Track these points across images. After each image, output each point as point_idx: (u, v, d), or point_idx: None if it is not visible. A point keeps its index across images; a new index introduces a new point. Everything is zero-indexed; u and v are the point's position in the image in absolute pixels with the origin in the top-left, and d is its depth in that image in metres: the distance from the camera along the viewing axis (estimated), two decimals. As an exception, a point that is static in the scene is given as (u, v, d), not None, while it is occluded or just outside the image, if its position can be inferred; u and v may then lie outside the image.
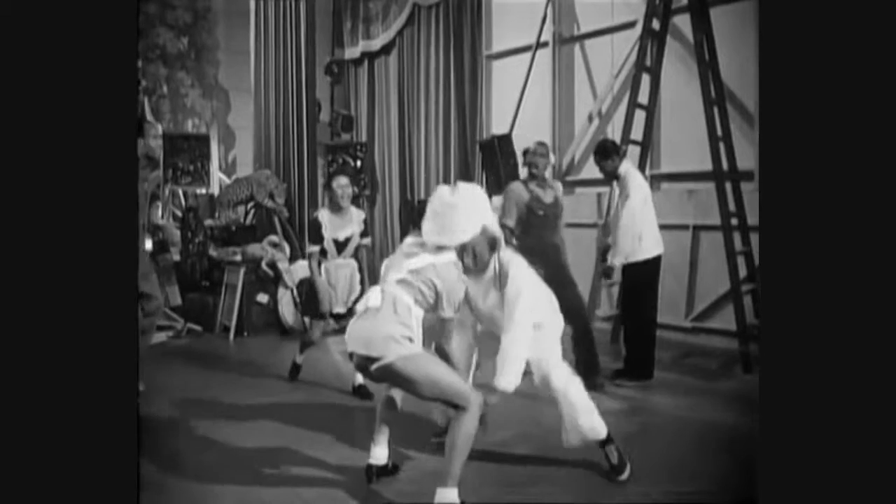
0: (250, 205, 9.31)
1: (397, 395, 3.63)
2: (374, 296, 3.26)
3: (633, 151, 7.38)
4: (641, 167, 7.45)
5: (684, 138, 7.50)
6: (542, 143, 5.55)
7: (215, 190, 9.88)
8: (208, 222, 9.11)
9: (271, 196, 8.93)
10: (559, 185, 5.77)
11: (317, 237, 5.28)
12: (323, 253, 5.38)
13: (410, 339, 3.17)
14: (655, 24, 7.21)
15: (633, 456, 3.71)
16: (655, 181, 7.91)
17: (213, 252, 8.55)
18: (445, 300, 3.25)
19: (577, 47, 8.88)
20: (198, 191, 9.62)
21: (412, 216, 10.13)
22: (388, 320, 3.16)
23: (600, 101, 8.53)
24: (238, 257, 8.05)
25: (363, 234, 5.51)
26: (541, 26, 8.81)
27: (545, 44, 8.88)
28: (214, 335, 7.87)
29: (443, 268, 3.25)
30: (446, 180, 10.01)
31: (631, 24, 8.03)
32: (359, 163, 10.41)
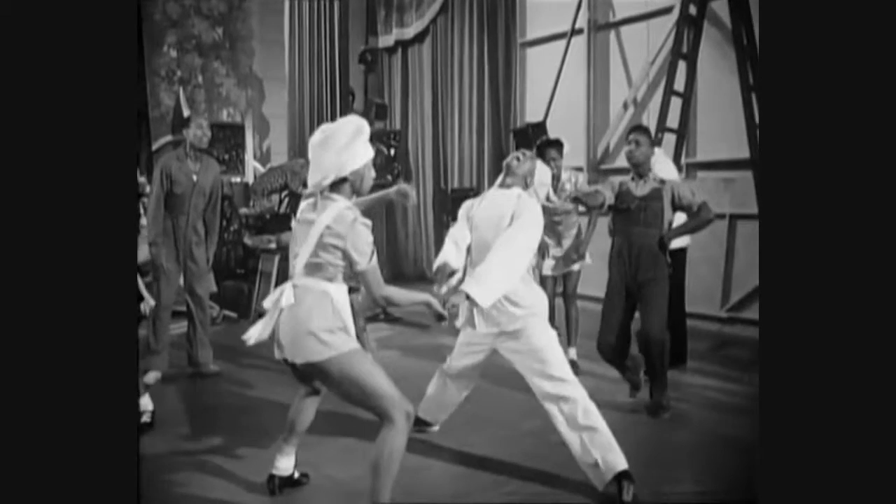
0: (284, 193, 9.36)
1: (312, 403, 3.42)
2: (286, 294, 2.98)
3: (669, 139, 7.30)
4: (677, 155, 7.37)
5: (721, 126, 7.40)
6: (637, 127, 4.87)
7: (250, 178, 9.97)
8: (243, 210, 9.19)
9: (305, 184, 8.98)
10: (660, 174, 4.74)
11: None
12: None
13: (340, 329, 2.93)
14: (692, 10, 7.11)
15: (656, 450, 3.65)
16: (691, 170, 7.82)
17: (247, 240, 8.62)
18: (354, 254, 2.89)
19: (612, 34, 8.79)
20: (233, 179, 9.71)
21: (445, 204, 10.12)
22: (306, 316, 2.90)
23: (635, 89, 8.44)
24: (273, 245, 8.11)
25: None
26: (576, 13, 8.73)
27: (580, 31, 8.81)
28: (249, 322, 7.92)
29: (337, 223, 2.89)
30: (480, 168, 10.00)
31: (667, 10, 7.93)
32: (392, 151, 10.40)
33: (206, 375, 5.52)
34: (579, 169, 8.08)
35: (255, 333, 3.02)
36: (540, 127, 8.37)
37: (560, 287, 5.90)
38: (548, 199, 5.66)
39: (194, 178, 5.28)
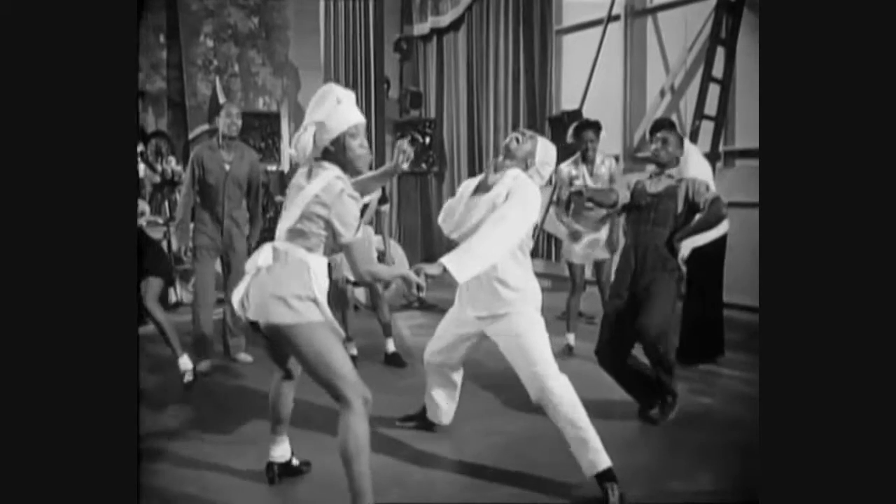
0: (320, 181, 9.39)
1: (288, 387, 3.38)
2: (264, 254, 2.94)
3: (707, 127, 7.21)
4: (715, 143, 7.28)
5: (760, 113, 7.28)
6: (663, 124, 4.51)
7: (286, 167, 10.03)
8: (279, 198, 9.25)
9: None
10: (693, 170, 4.65)
11: None
12: None
13: (310, 298, 2.87)
14: (731, -5, 7.01)
15: (676, 445, 3.56)
16: (730, 158, 7.72)
17: (283, 228, 8.67)
18: (339, 226, 2.85)
19: (649, 20, 8.69)
20: (269, 168, 9.78)
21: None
22: (279, 280, 2.86)
23: (673, 76, 8.35)
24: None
25: (381, 201, 5.53)
26: (612, -1, 8.65)
27: (616, 17, 8.72)
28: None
29: (325, 192, 2.85)
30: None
31: (705, -4, 7.82)
32: (427, 139, 10.41)
33: (238, 364, 5.56)
34: (615, 157, 8.03)
35: (237, 296, 2.99)
36: (576, 115, 8.30)
37: (590, 275, 5.88)
38: (571, 182, 5.63)
39: (226, 167, 5.30)
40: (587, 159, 5.68)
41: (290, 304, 2.83)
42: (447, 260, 3.10)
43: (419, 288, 3.02)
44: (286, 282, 2.86)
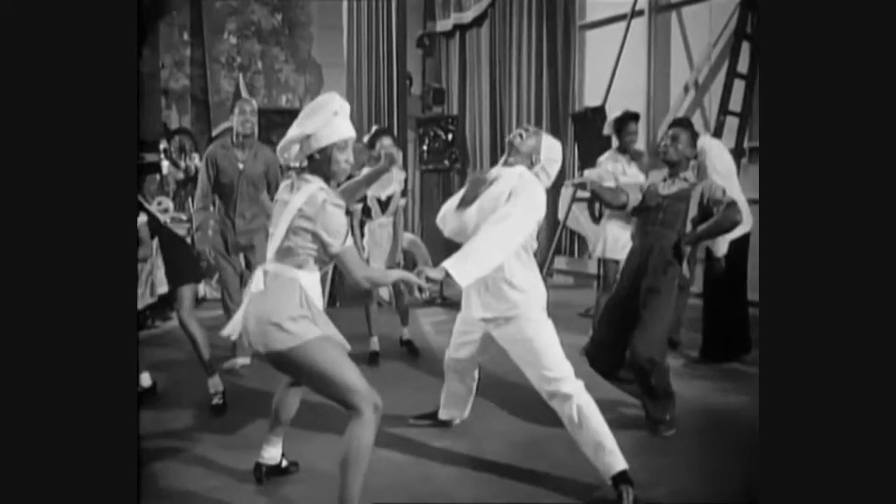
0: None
1: (295, 393, 3.39)
2: (256, 280, 2.91)
3: (731, 123, 7.14)
4: (739, 139, 7.22)
5: (786, 109, 7.20)
6: (679, 121, 4.42)
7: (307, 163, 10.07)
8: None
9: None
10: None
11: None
12: (366, 212, 5.44)
13: (304, 317, 2.83)
14: (757, -10, 6.93)
15: (705, 444, 3.54)
16: (754, 154, 7.64)
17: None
18: (326, 236, 2.80)
19: (673, 15, 8.62)
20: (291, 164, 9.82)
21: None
22: (271, 305, 2.83)
23: (697, 71, 8.27)
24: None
25: (402, 194, 5.57)
26: (636, -6, 8.60)
27: (640, 12, 8.66)
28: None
29: (308, 205, 2.81)
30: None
31: (731, -10, 7.74)
32: (450, 136, 10.38)
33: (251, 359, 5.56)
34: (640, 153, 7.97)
35: (232, 327, 2.99)
36: (599, 111, 8.26)
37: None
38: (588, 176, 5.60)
39: (240, 166, 5.25)
40: (627, 152, 5.62)
41: (286, 327, 2.80)
42: (450, 264, 3.04)
43: (420, 290, 2.98)
44: (278, 305, 2.83)
